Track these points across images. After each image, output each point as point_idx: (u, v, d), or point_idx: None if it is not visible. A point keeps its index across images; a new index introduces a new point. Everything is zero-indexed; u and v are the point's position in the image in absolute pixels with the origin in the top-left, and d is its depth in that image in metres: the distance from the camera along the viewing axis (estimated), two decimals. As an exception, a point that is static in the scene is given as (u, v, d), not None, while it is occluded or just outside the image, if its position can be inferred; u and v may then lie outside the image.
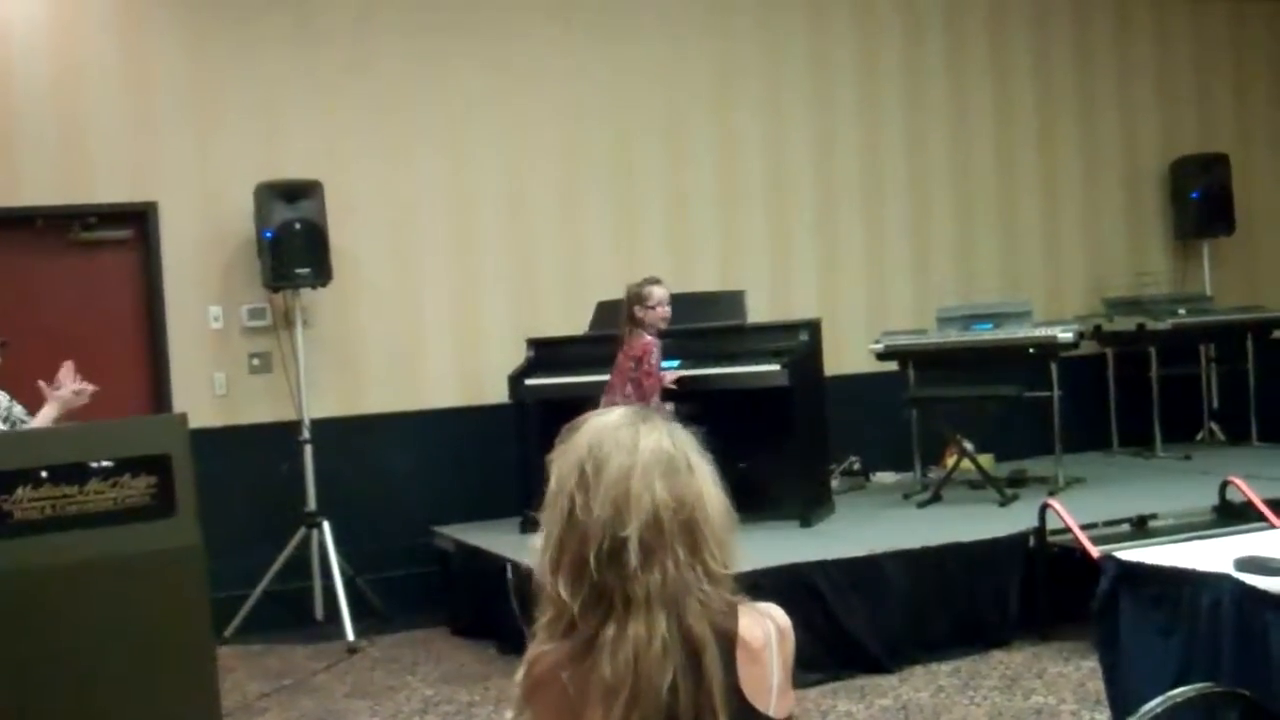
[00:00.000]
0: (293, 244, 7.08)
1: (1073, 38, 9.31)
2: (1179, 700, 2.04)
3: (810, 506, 6.93)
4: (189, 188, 7.39)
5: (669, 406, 6.40)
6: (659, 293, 6.66)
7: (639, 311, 6.63)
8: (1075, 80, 9.30)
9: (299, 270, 7.09)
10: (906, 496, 7.55)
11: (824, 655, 5.85)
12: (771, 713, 2.01)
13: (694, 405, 6.53)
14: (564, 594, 2.01)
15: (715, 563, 2.01)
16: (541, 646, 2.06)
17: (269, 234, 7.09)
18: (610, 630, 1.97)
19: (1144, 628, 3.63)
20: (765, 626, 2.05)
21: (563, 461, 2.08)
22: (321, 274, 7.15)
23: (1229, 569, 3.41)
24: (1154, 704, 1.93)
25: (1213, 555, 3.59)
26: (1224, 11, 9.70)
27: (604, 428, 2.07)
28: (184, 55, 7.40)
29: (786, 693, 2.05)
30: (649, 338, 6.58)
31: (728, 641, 1.99)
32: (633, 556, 1.97)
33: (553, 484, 2.07)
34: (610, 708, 1.94)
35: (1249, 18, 9.78)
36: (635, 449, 2.02)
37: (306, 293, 7.29)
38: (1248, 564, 3.40)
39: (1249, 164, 9.58)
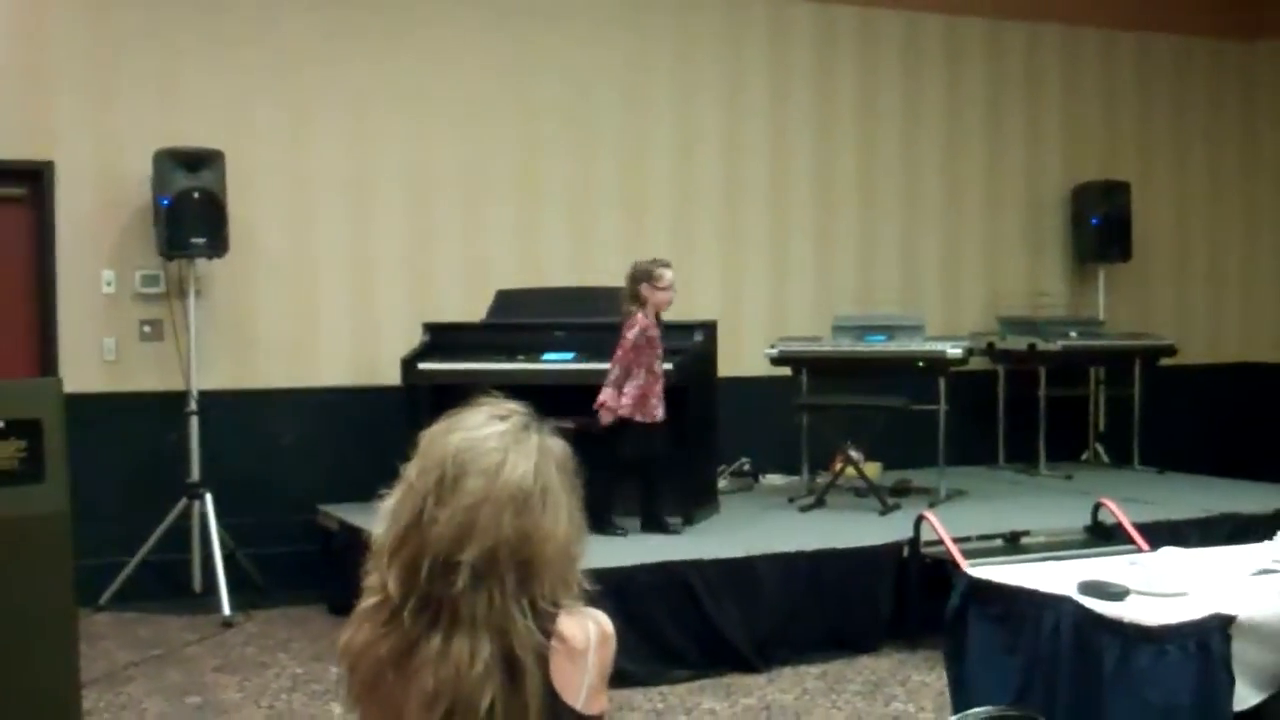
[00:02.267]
0: (190, 213, 7.01)
1: (984, 64, 9.44)
2: None
3: (694, 505, 6.99)
4: (87, 149, 7.29)
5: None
6: (670, 276, 6.68)
7: (645, 289, 6.64)
8: (984, 104, 9.44)
9: (195, 239, 7.02)
10: (791, 500, 7.64)
11: (694, 653, 5.93)
12: (580, 708, 2.05)
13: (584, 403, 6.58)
14: (392, 588, 2.05)
15: (544, 601, 2.04)
16: (361, 636, 2.09)
17: (166, 201, 7.01)
18: (435, 641, 2.01)
19: (990, 644, 3.72)
20: (587, 629, 2.08)
21: (430, 453, 2.08)
22: (217, 244, 7.09)
23: (1072, 591, 3.51)
24: (945, 722, 1.99)
25: (1061, 577, 3.69)
26: (1131, 44, 9.89)
27: (476, 439, 2.06)
28: (86, 13, 7.30)
29: (600, 693, 2.10)
30: (640, 316, 6.59)
31: (545, 642, 2.03)
32: (462, 579, 2.00)
33: (413, 470, 2.08)
34: (428, 717, 1.99)
35: (1154, 51, 9.98)
36: (496, 478, 2.03)
37: (202, 262, 7.23)
38: (1090, 588, 3.50)
39: (1149, 193, 9.77)
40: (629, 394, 6.53)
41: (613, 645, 2.13)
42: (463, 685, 2.00)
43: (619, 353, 6.59)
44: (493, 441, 2.07)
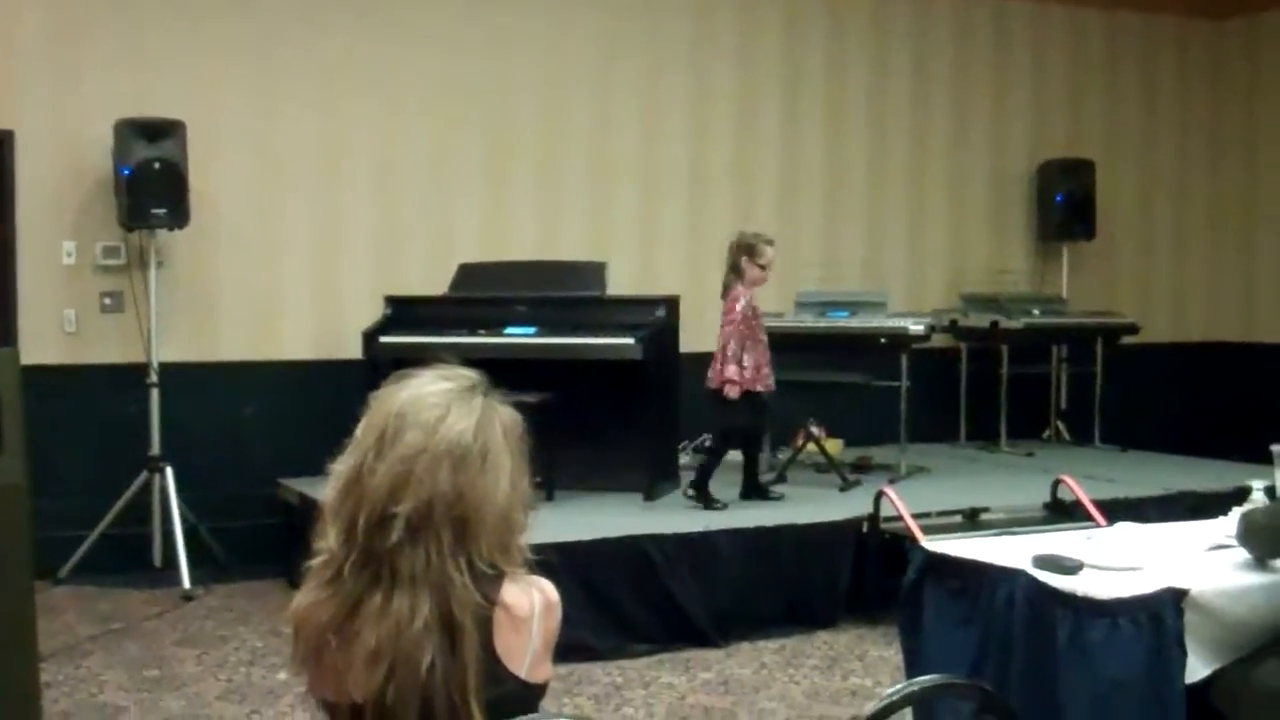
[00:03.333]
0: (151, 183, 6.94)
1: (952, 41, 9.45)
2: (915, 690, 2.11)
3: (655, 481, 7.00)
4: (47, 118, 7.22)
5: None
6: (770, 254, 6.75)
7: (745, 263, 6.72)
8: (951, 81, 9.46)
9: (155, 210, 6.96)
10: (753, 476, 7.65)
11: (654, 627, 5.95)
12: (525, 676, 2.08)
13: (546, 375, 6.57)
14: (334, 545, 2.08)
15: (481, 561, 2.06)
16: (307, 599, 2.12)
17: (127, 171, 6.94)
18: (376, 598, 2.03)
19: (945, 617, 3.74)
20: (531, 597, 2.11)
21: (375, 411, 2.12)
22: (179, 215, 7.02)
23: (1027, 565, 3.53)
24: (891, 692, 2.00)
25: (1017, 551, 3.70)
26: (1099, 23, 9.92)
27: (420, 396, 2.10)
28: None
29: (544, 662, 2.13)
30: (741, 288, 6.69)
31: (488, 610, 2.05)
32: (396, 533, 2.02)
33: (359, 429, 2.12)
34: (371, 675, 2.01)
35: (1122, 30, 10.01)
36: (434, 432, 2.06)
37: (163, 234, 7.16)
38: (1044, 561, 3.52)
39: (1114, 172, 9.81)
40: (748, 365, 6.65)
41: (558, 614, 2.15)
42: (403, 643, 2.01)
43: (728, 327, 6.68)
44: (436, 398, 2.09)
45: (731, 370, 6.61)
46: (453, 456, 2.05)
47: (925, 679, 2.30)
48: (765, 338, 6.77)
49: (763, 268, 6.74)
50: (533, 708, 2.11)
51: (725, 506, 6.68)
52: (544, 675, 2.14)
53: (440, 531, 2.04)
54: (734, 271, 6.77)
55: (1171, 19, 10.14)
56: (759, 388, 6.70)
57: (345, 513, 2.07)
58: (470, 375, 2.17)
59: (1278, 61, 10.01)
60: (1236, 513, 4.13)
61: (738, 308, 6.68)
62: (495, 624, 2.07)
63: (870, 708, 1.96)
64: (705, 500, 6.67)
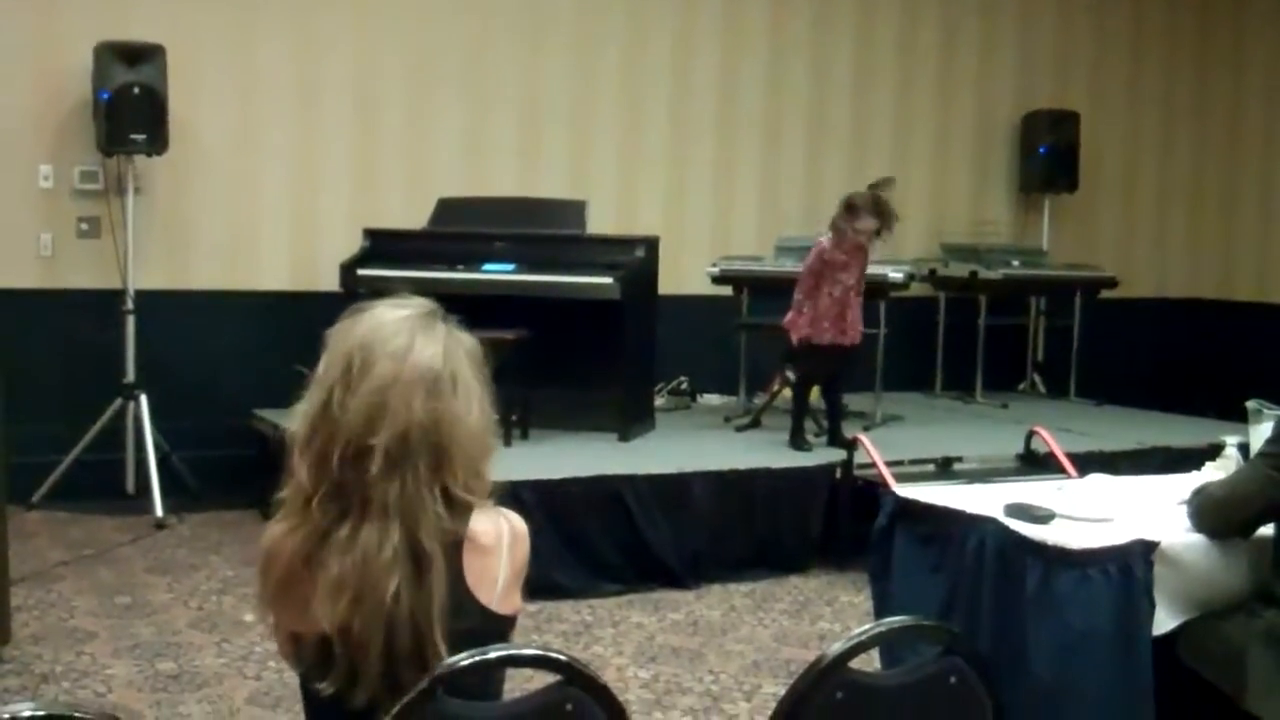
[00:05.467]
0: (129, 108, 6.86)
1: (940, -13, 9.39)
2: (883, 631, 2.11)
3: (630, 422, 7.00)
4: (27, 41, 7.12)
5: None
6: (868, 224, 6.73)
7: (841, 221, 6.74)
8: (938, 28, 9.38)
9: (134, 136, 6.88)
10: (728, 420, 7.67)
11: (625, 568, 5.97)
12: (494, 607, 2.10)
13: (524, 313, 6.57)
14: (305, 479, 2.07)
15: (456, 486, 2.07)
16: (275, 533, 2.12)
17: (106, 96, 6.86)
18: (344, 530, 2.04)
19: (914, 563, 3.75)
20: (499, 525, 2.14)
21: (336, 345, 2.10)
22: (157, 141, 6.95)
23: (998, 513, 3.54)
24: (859, 632, 2.00)
25: (988, 499, 3.71)
26: (1088, -28, 9.87)
27: (382, 325, 2.09)
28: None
29: (513, 593, 2.15)
30: (823, 241, 6.76)
31: (458, 542, 2.07)
32: (375, 465, 2.02)
33: (322, 365, 2.11)
34: (335, 604, 2.01)
35: (1112, -18, 9.97)
36: (404, 360, 2.05)
37: (141, 160, 7.08)
38: (1015, 510, 3.53)
39: (1099, 124, 9.77)
40: (806, 315, 6.71)
41: (525, 544, 2.17)
42: (369, 572, 2.02)
43: (801, 275, 6.79)
44: (398, 325, 2.08)
45: (789, 316, 6.75)
46: (425, 383, 2.05)
47: (893, 619, 2.31)
48: (838, 293, 6.75)
49: (856, 231, 6.72)
50: (503, 639, 2.12)
51: (811, 449, 6.79)
52: (513, 607, 2.16)
53: (418, 461, 2.04)
54: (834, 226, 6.77)
55: (1161, -31, 10.10)
56: (818, 339, 6.73)
57: (315, 449, 2.06)
58: (426, 303, 2.16)
59: (1264, 17, 9.98)
60: (1209, 467, 4.16)
61: (808, 261, 6.78)
62: (464, 554, 2.08)
63: (838, 647, 1.97)
64: (795, 441, 6.81)
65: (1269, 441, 3.42)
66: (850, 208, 6.74)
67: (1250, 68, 10.08)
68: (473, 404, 2.10)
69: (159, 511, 6.74)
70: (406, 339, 2.07)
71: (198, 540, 6.54)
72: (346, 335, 2.10)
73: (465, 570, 2.08)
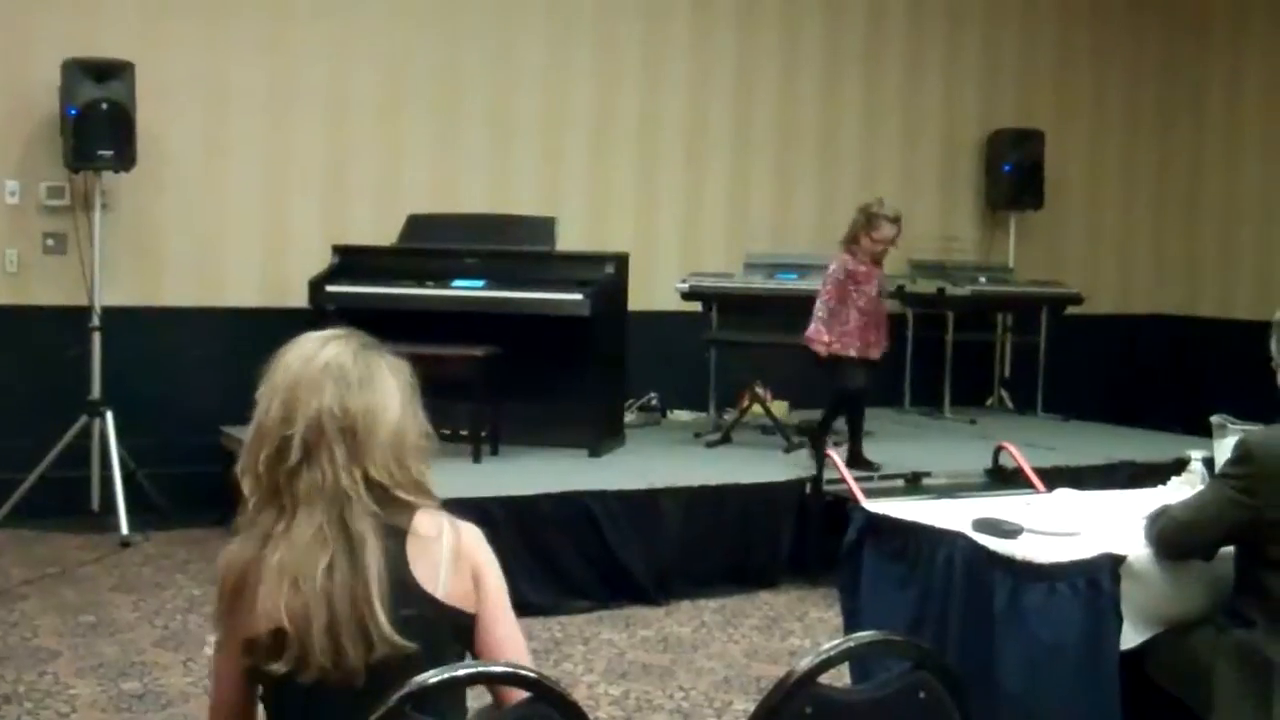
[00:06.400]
0: (97, 124, 6.84)
1: (905, 7, 9.44)
2: (853, 646, 2.12)
3: (600, 437, 7.00)
4: (-8, 55, 7.10)
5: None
6: (889, 232, 6.68)
7: (862, 235, 6.66)
8: (904, 46, 9.44)
9: (101, 152, 6.86)
10: (697, 436, 7.68)
11: (595, 584, 5.97)
12: (440, 595, 2.21)
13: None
14: (247, 490, 2.23)
15: (378, 472, 2.19)
16: (229, 549, 2.26)
17: (74, 111, 6.83)
18: (281, 526, 2.18)
19: (883, 578, 3.77)
20: (439, 521, 2.27)
21: (268, 375, 2.28)
22: (125, 158, 6.93)
23: (967, 528, 3.56)
24: (828, 647, 2.01)
25: (957, 514, 3.73)
26: (1053, -6, 9.97)
27: (301, 340, 2.28)
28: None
29: (462, 584, 2.24)
30: (845, 255, 6.69)
31: (400, 536, 2.20)
32: (294, 453, 2.17)
33: (257, 396, 2.27)
34: (278, 591, 2.14)
35: (1075, 2, 10.03)
36: (312, 359, 2.22)
37: (108, 176, 7.05)
38: (984, 524, 3.55)
39: (1063, 142, 9.85)
40: (836, 330, 6.65)
41: (473, 539, 2.29)
42: (302, 554, 2.14)
43: (822, 287, 6.71)
44: (315, 338, 2.28)
45: (810, 329, 6.68)
46: (332, 373, 2.20)
47: (862, 635, 2.32)
48: (864, 304, 6.69)
49: (879, 241, 6.67)
50: (460, 632, 2.23)
51: (879, 467, 6.72)
52: (465, 601, 2.24)
53: (333, 446, 2.17)
54: (851, 239, 6.71)
55: (1124, -8, 10.20)
56: (848, 352, 6.68)
57: (252, 460, 2.22)
58: (359, 332, 2.32)
59: (1227, 38, 10.08)
60: (1174, 482, 4.19)
61: (829, 272, 6.70)
62: (409, 550, 2.20)
63: (807, 662, 1.97)
64: (855, 462, 6.65)
65: (1230, 462, 3.43)
66: (870, 217, 6.69)
67: (1212, 87, 10.17)
68: (389, 400, 2.23)
69: (124, 529, 6.69)
70: (319, 344, 2.26)
71: (164, 558, 6.49)
72: (276, 361, 2.26)
73: (413, 566, 2.20)
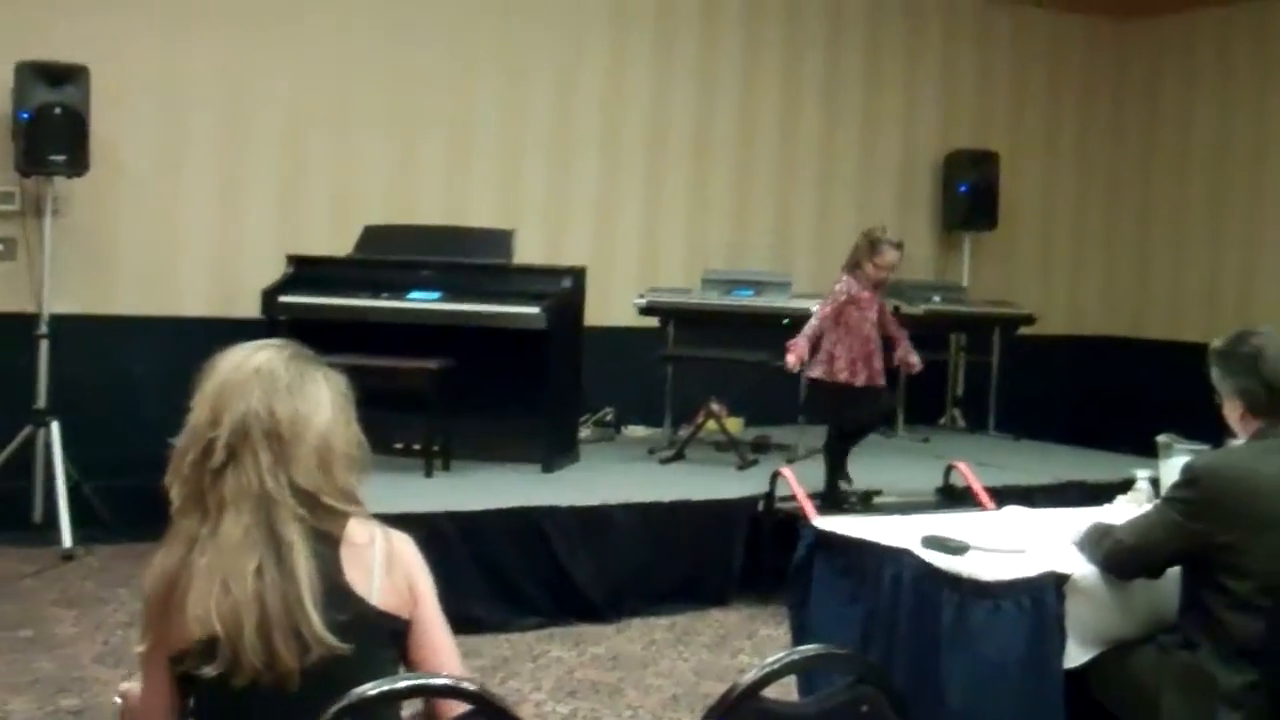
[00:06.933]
0: (50, 129, 6.76)
1: (865, 27, 9.50)
2: (797, 659, 2.11)
3: (554, 452, 6.97)
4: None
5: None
6: (893, 257, 6.54)
7: (865, 260, 6.53)
8: (863, 67, 9.51)
9: (54, 157, 6.77)
10: (652, 452, 7.67)
11: (545, 600, 5.93)
12: (373, 600, 2.20)
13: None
14: (174, 497, 2.22)
15: (304, 478, 2.18)
16: (155, 558, 2.23)
17: (26, 116, 6.76)
18: (207, 529, 2.16)
19: (832, 594, 3.77)
20: (372, 529, 2.26)
21: (200, 380, 2.28)
22: (78, 163, 6.85)
23: (914, 545, 3.56)
24: (772, 660, 2.00)
25: (905, 531, 3.73)
26: (1008, 18, 10.02)
27: (236, 347, 2.28)
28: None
29: (396, 590, 2.23)
30: (848, 278, 6.55)
31: (332, 542, 2.20)
32: (219, 455, 2.16)
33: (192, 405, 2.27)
34: (208, 593, 2.11)
35: (1031, 26, 10.13)
36: (242, 365, 2.23)
37: (61, 181, 6.97)
38: (931, 542, 3.55)
39: (1017, 164, 9.93)
40: (828, 354, 6.53)
41: (402, 546, 2.29)
42: (231, 556, 2.13)
43: (820, 307, 6.59)
44: (251, 347, 2.28)
45: (794, 340, 6.44)
46: (261, 377, 2.20)
47: (807, 648, 2.32)
48: (867, 330, 6.56)
49: (882, 267, 6.56)
50: (394, 638, 2.22)
51: (857, 507, 6.49)
52: (399, 608, 2.23)
53: (258, 449, 2.16)
54: (853, 265, 6.59)
55: (1078, 18, 10.28)
56: (843, 379, 6.52)
57: (179, 465, 2.21)
58: (294, 342, 2.33)
59: (1178, 63, 10.18)
60: (1121, 500, 4.22)
61: (835, 287, 6.58)
62: (341, 556, 2.20)
63: (751, 675, 1.96)
64: (831, 495, 6.55)
65: (1176, 485, 3.44)
66: (874, 242, 6.55)
67: (1163, 112, 10.28)
68: (318, 408, 2.22)
69: (67, 542, 6.59)
70: (252, 350, 2.26)
71: (107, 572, 6.39)
72: (209, 366, 2.28)
73: (347, 572, 2.19)
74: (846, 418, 6.69)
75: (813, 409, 6.85)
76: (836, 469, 6.72)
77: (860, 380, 6.57)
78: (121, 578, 6.30)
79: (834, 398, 6.62)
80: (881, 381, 6.70)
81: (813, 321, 6.53)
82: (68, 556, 6.55)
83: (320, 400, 2.23)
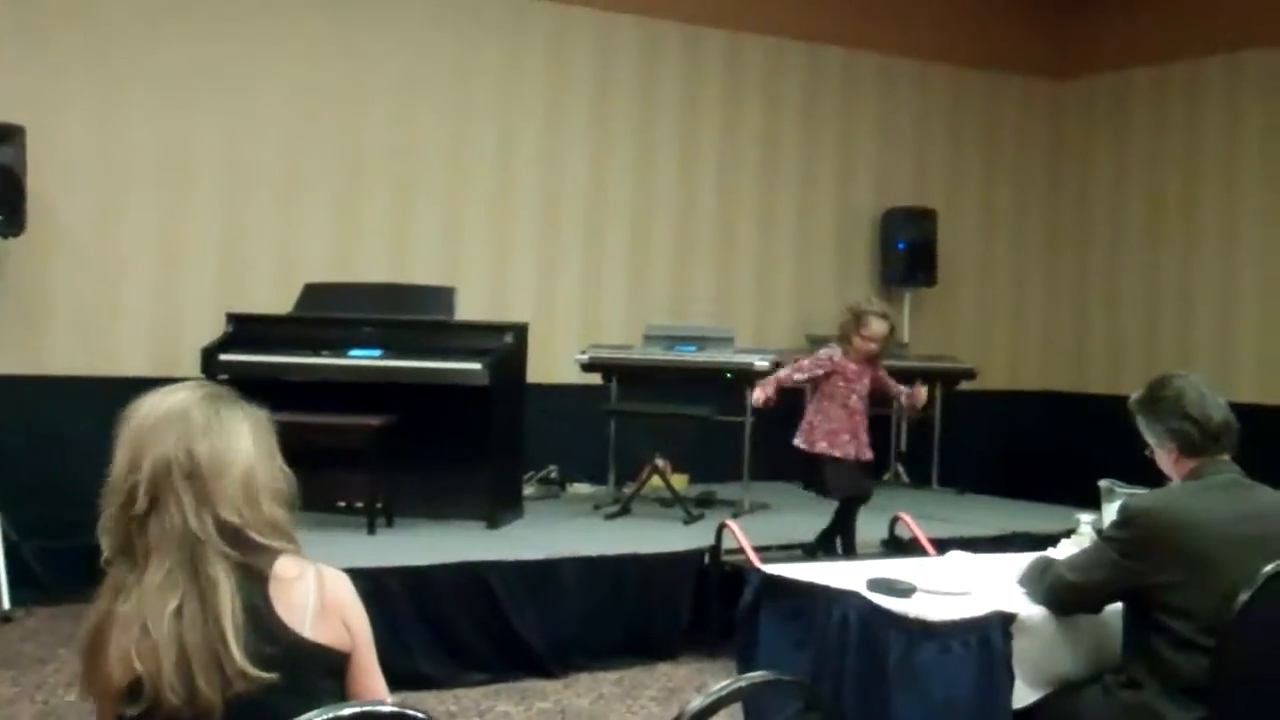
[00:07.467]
0: (-14, 188, 6.74)
1: (802, 87, 9.62)
2: (743, 686, 2.11)
3: (498, 509, 6.93)
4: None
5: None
6: (879, 329, 6.49)
7: (853, 334, 6.49)
8: (801, 126, 9.62)
9: (-10, 217, 6.75)
10: (597, 508, 7.65)
11: (491, 656, 5.88)
12: (306, 633, 2.20)
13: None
14: (104, 548, 2.22)
15: (229, 513, 2.18)
16: (88, 612, 2.22)
17: (-39, 176, 6.73)
18: (133, 576, 2.16)
19: (780, 638, 3.76)
20: (303, 565, 2.26)
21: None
22: (14, 223, 6.79)
23: (861, 588, 3.57)
24: (719, 688, 1.99)
25: (852, 575, 3.75)
26: (944, 77, 10.18)
27: (149, 395, 2.28)
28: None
29: (330, 624, 2.24)
30: (835, 348, 6.54)
31: (261, 578, 2.20)
32: (141, 501, 2.16)
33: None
34: (129, 638, 2.12)
35: (967, 85, 10.29)
36: (156, 409, 2.23)
37: (-4, 241, 6.94)
38: (878, 584, 3.56)
39: (954, 221, 10.06)
40: (810, 423, 6.54)
41: (334, 580, 2.29)
42: (152, 598, 2.13)
43: (794, 369, 6.58)
44: (165, 391, 2.28)
45: (763, 381, 6.50)
46: (176, 419, 2.20)
47: (753, 674, 2.31)
48: (853, 402, 6.56)
49: (868, 340, 6.52)
50: (334, 671, 2.22)
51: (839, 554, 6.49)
52: (336, 641, 2.24)
53: (179, 492, 2.16)
54: (842, 340, 6.56)
55: (1015, 77, 10.46)
56: (820, 449, 6.52)
57: (105, 517, 2.22)
58: (210, 383, 2.37)
59: (1113, 121, 10.37)
60: (1064, 544, 4.25)
61: (821, 351, 6.59)
62: (270, 590, 2.19)
63: (696, 704, 1.96)
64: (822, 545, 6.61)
65: (1114, 525, 3.48)
66: (859, 315, 6.52)
67: (1098, 169, 10.46)
68: (239, 443, 2.22)
69: (5, 604, 6.50)
70: (165, 394, 2.26)
71: (46, 634, 6.29)
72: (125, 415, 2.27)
73: (277, 606, 2.19)
74: (829, 489, 6.67)
75: (802, 474, 6.85)
76: (833, 532, 6.71)
77: (839, 452, 6.57)
78: (61, 638, 6.19)
79: (809, 466, 6.64)
80: (867, 456, 6.70)
81: (787, 369, 6.59)
82: (6, 618, 6.45)
83: (240, 434, 2.24)
